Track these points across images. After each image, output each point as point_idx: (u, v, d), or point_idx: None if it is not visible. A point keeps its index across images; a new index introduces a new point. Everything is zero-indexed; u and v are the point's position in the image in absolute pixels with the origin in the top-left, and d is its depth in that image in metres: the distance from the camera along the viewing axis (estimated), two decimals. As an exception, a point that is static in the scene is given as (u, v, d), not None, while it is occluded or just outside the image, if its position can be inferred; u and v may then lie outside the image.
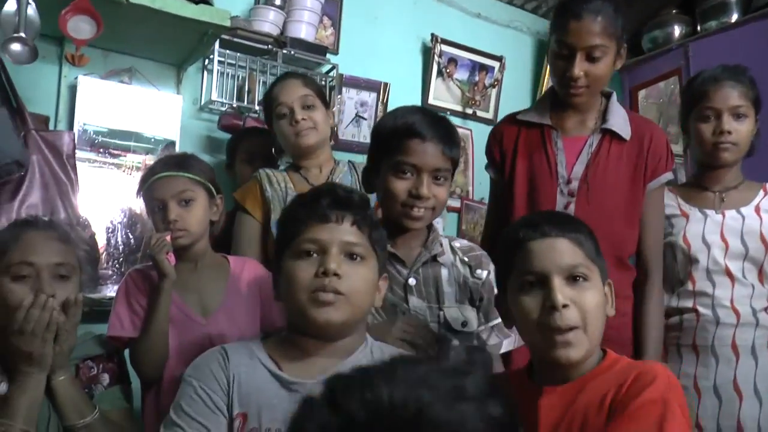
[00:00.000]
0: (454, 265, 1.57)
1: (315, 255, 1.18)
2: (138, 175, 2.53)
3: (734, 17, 3.53)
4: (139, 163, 2.58)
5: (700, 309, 1.92)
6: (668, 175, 1.89)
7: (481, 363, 0.77)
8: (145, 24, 2.38)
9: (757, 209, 1.97)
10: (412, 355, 0.70)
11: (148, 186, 1.74)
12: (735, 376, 1.86)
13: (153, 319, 1.62)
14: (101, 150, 2.52)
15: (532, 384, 1.22)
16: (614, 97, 1.89)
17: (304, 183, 2.06)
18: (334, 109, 2.26)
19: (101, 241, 2.46)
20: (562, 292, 1.14)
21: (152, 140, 2.61)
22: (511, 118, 1.97)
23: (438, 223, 1.87)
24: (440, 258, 1.56)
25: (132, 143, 2.58)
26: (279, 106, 2.07)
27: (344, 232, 1.19)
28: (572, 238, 1.19)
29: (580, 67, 1.72)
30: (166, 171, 1.73)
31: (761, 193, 2.01)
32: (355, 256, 1.20)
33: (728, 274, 1.92)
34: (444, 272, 1.55)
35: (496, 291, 1.36)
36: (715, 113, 1.96)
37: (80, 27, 2.20)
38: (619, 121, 1.84)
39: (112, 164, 2.54)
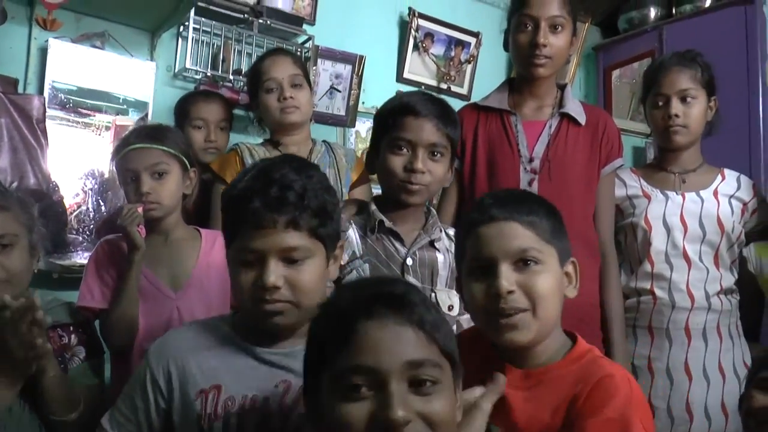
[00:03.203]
0: (449, 251, 1.62)
1: (255, 262, 1.13)
2: (107, 135, 2.54)
3: (708, 2, 3.57)
4: (109, 122, 2.56)
5: (657, 292, 1.98)
6: (620, 161, 2.00)
7: None
8: (120, -13, 2.36)
9: (715, 193, 2.03)
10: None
11: (122, 156, 1.74)
12: (686, 358, 1.94)
13: (122, 291, 1.64)
14: (71, 109, 2.49)
15: (497, 355, 1.19)
16: (569, 87, 2.03)
17: None
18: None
19: (71, 205, 2.44)
20: (507, 278, 1.10)
21: (122, 100, 2.59)
22: (471, 106, 2.07)
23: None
24: (437, 243, 1.60)
25: (103, 103, 2.55)
26: (268, 81, 2.10)
27: (280, 237, 1.12)
28: (523, 220, 1.13)
29: (544, 36, 1.85)
30: (140, 142, 1.73)
31: (719, 177, 2.08)
32: (295, 260, 1.14)
33: (685, 257, 1.98)
34: (440, 257, 1.60)
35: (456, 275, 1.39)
36: (664, 98, 2.03)
37: (52, -11, 2.18)
38: (574, 107, 1.96)
39: (82, 123, 2.52)
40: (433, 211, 1.67)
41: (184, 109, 2.43)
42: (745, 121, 3.14)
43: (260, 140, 2.28)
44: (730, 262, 2.03)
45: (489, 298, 1.11)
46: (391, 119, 1.56)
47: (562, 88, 2.01)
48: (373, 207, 1.59)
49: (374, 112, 1.75)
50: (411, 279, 1.54)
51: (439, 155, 1.56)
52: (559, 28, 1.87)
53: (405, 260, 1.55)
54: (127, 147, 1.73)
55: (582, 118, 1.94)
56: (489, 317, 1.13)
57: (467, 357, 1.16)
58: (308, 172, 1.19)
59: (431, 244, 1.59)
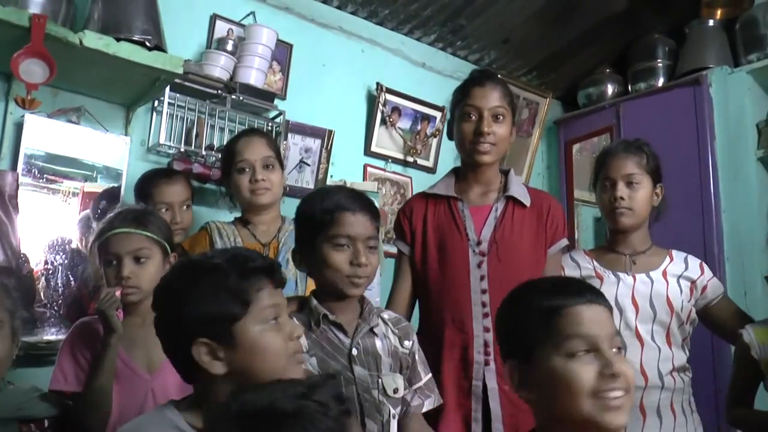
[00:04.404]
0: (386, 336, 1.68)
1: (275, 320, 1.25)
2: (75, 202, 2.55)
3: (660, 81, 3.77)
4: (77, 189, 2.58)
5: (613, 371, 2.05)
6: (564, 241, 2.11)
7: None
8: (98, 67, 2.41)
9: (664, 274, 2.14)
10: None
11: (105, 239, 1.76)
12: (642, 434, 2.01)
13: (97, 374, 1.64)
14: (40, 176, 2.50)
15: None
16: (512, 172, 2.15)
17: (252, 239, 2.16)
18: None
19: (36, 272, 2.42)
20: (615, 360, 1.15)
21: (91, 167, 2.61)
22: (420, 195, 2.19)
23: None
24: (375, 329, 1.66)
25: (71, 170, 2.57)
26: (241, 162, 2.18)
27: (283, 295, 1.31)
28: (608, 307, 1.22)
29: (488, 124, 1.99)
30: (124, 227, 1.76)
31: (667, 258, 2.19)
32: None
33: (638, 337, 2.07)
34: (378, 343, 1.65)
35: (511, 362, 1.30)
36: (611, 182, 2.17)
37: (32, 70, 2.20)
38: (518, 190, 2.08)
39: (50, 189, 2.52)
40: (368, 298, 1.72)
41: (146, 191, 2.41)
42: (698, 197, 3.29)
43: (230, 217, 2.33)
44: (681, 340, 2.12)
45: (600, 379, 1.14)
46: (328, 216, 1.60)
47: (506, 173, 2.13)
48: (315, 302, 1.63)
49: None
50: (358, 368, 1.59)
51: (373, 247, 1.63)
52: (501, 117, 2.02)
53: (350, 351, 1.59)
54: (111, 230, 1.76)
55: (527, 200, 2.06)
56: (596, 398, 1.14)
57: None
58: None
59: (371, 330, 1.65)
